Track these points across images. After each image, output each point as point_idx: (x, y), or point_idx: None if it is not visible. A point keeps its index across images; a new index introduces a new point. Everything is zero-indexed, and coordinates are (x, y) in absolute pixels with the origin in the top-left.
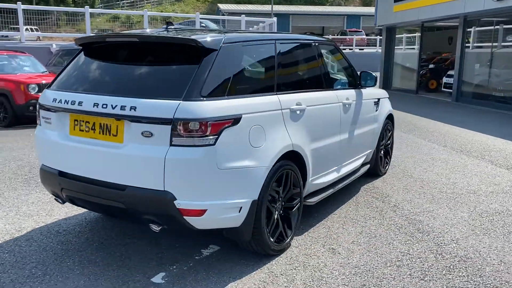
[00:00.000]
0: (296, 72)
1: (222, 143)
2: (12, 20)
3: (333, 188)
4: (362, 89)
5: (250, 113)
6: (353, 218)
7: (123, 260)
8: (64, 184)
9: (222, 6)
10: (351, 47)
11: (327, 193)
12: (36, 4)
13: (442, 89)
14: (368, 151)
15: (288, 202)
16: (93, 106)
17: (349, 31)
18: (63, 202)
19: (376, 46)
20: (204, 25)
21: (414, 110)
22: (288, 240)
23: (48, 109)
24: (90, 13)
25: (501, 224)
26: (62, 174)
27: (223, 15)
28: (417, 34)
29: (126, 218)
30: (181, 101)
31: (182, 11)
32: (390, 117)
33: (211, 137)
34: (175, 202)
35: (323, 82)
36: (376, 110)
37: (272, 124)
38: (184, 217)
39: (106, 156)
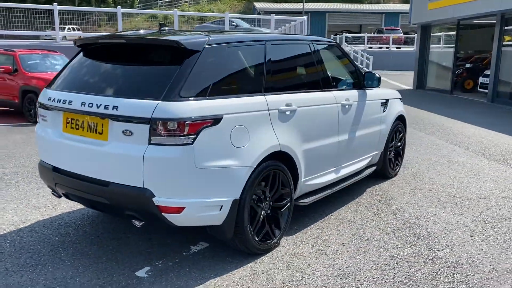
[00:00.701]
0: (287, 73)
1: (200, 142)
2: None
3: (330, 189)
4: (367, 90)
5: (233, 113)
6: (350, 220)
7: (114, 253)
8: (57, 179)
9: (258, 5)
10: (387, 46)
11: (323, 194)
12: (79, 3)
13: (478, 89)
14: (374, 153)
15: (277, 202)
16: (81, 105)
17: (386, 29)
18: (59, 196)
19: (414, 44)
20: (235, 24)
21: (444, 111)
22: (276, 239)
23: (45, 108)
24: (129, 13)
25: (504, 230)
26: (55, 169)
27: (259, 13)
28: (453, 32)
29: (111, 213)
30: (160, 101)
31: (219, 10)
32: (401, 118)
33: (189, 136)
34: (153, 199)
35: (319, 82)
36: (384, 111)
37: (257, 125)
38: (163, 213)
39: (93, 153)
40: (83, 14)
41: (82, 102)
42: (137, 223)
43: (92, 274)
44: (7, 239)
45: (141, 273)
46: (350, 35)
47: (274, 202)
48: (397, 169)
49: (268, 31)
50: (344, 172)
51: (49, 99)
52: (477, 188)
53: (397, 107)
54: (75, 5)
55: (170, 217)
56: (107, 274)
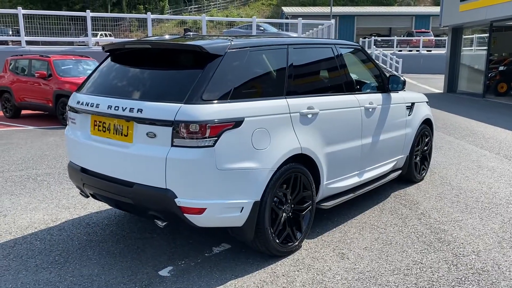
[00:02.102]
0: (309, 77)
1: (221, 144)
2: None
3: (353, 193)
4: (392, 93)
5: (254, 116)
6: (373, 224)
7: (138, 253)
8: (85, 180)
9: (286, 9)
10: (417, 49)
11: (345, 197)
12: (111, 10)
13: None
14: (399, 157)
15: (299, 204)
16: (108, 108)
17: (416, 31)
18: (87, 197)
19: (445, 47)
20: (262, 29)
21: (475, 115)
22: (297, 242)
23: (74, 111)
24: (159, 19)
25: None
26: (83, 170)
27: (287, 18)
28: (486, 35)
29: (135, 213)
30: (182, 104)
31: (247, 15)
32: (428, 122)
33: (210, 139)
34: (175, 200)
35: (342, 86)
36: (409, 115)
37: (278, 127)
38: (185, 214)
39: (118, 154)
40: (115, 20)
41: (109, 105)
42: (160, 223)
43: (117, 272)
44: (38, 237)
45: (164, 272)
46: (379, 38)
47: (295, 205)
48: (424, 174)
49: (295, 35)
50: (368, 176)
51: (78, 102)
52: (506, 194)
53: (423, 111)
54: (107, 12)
55: (192, 217)
56: (131, 273)
